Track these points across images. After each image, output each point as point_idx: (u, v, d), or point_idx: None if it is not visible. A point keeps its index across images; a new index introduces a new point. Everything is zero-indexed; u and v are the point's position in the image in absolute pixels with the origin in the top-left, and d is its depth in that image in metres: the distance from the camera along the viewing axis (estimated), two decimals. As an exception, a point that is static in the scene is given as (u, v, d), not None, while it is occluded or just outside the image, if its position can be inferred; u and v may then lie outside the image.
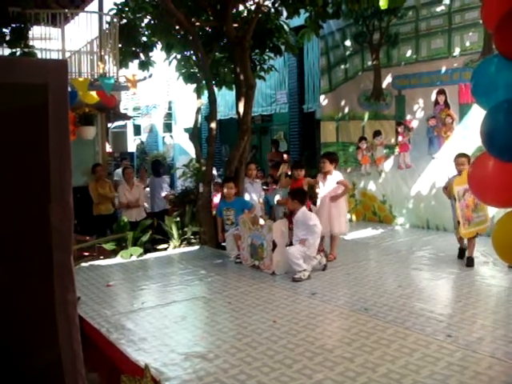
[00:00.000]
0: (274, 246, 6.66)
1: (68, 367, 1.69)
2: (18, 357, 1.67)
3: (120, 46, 10.15)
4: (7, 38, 9.08)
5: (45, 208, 1.58)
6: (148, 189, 11.26)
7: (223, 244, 7.85)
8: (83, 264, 7.51)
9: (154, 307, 5.46)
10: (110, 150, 17.77)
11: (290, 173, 8.48)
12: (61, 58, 10.34)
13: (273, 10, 9.79)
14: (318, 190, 7.53)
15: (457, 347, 4.08)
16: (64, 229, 1.62)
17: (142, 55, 10.52)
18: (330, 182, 7.31)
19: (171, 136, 22.04)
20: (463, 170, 6.72)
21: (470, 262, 6.82)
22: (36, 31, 10.85)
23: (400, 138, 10.17)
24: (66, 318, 1.65)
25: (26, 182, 1.60)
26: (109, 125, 16.16)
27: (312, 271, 6.48)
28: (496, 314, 4.89)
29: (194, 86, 10.67)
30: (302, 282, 6.19)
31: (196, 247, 8.74)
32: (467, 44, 8.90)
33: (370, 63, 10.69)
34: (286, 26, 10.05)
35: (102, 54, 10.37)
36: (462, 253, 7.16)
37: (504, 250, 3.60)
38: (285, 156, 13.01)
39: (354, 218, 10.96)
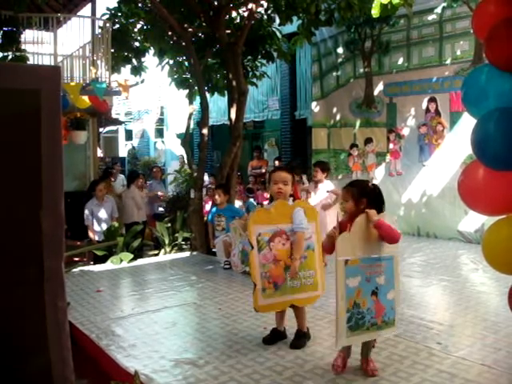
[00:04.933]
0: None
1: (57, 373, 1.68)
2: (7, 362, 1.66)
3: (112, 50, 10.15)
4: (-1, 41, 9.07)
5: (36, 214, 1.58)
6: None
7: (214, 250, 7.84)
8: (73, 270, 7.47)
9: (144, 313, 5.43)
10: (102, 155, 17.73)
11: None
12: (53, 62, 10.33)
13: (265, 16, 9.83)
14: (309, 199, 7.52)
15: (447, 354, 4.08)
16: (55, 235, 1.61)
17: (134, 60, 10.52)
18: (321, 191, 7.32)
19: (163, 141, 22.03)
20: (279, 197, 4.31)
21: (296, 342, 4.33)
22: (28, 35, 10.84)
23: (391, 146, 10.21)
24: (56, 325, 1.65)
25: (17, 187, 1.59)
26: (100, 129, 16.13)
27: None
28: (486, 322, 4.90)
29: (186, 91, 10.68)
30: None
31: (187, 253, 8.72)
32: (458, 53, 8.98)
33: (361, 71, 10.75)
34: (278, 33, 10.09)
35: (95, 58, 10.36)
36: (275, 336, 4.45)
37: (494, 258, 3.62)
38: (276, 162, 13.04)
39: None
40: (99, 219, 8.70)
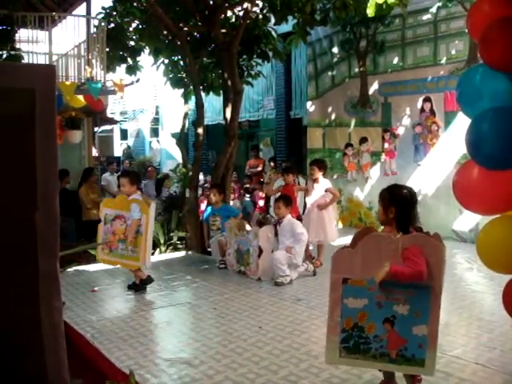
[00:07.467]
0: (260, 251, 6.65)
1: (53, 374, 1.67)
2: (2, 363, 1.65)
3: (107, 50, 10.12)
4: (-7, 40, 9.03)
5: (31, 214, 1.57)
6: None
7: (209, 249, 7.83)
8: (68, 269, 7.44)
9: (139, 313, 5.43)
10: (97, 155, 17.67)
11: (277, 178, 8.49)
12: (48, 61, 10.30)
13: (261, 16, 9.82)
14: (306, 198, 7.50)
15: (441, 354, 4.08)
16: (50, 235, 1.61)
17: (129, 59, 10.50)
18: (318, 190, 7.30)
19: (158, 141, 21.99)
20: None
21: (136, 286, 6.21)
22: (23, 34, 10.80)
23: (386, 145, 10.23)
24: (52, 325, 1.64)
25: (11, 187, 1.58)
26: (95, 129, 16.07)
27: (298, 277, 6.50)
28: (480, 321, 4.92)
29: (182, 91, 10.67)
30: (288, 288, 6.19)
31: (182, 253, 8.71)
32: (453, 52, 9.00)
33: (356, 70, 10.76)
34: (273, 33, 10.09)
35: (90, 57, 10.33)
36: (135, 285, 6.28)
37: (488, 257, 3.63)
38: (271, 163, 13.04)
39: (340, 224, 10.99)
40: None
